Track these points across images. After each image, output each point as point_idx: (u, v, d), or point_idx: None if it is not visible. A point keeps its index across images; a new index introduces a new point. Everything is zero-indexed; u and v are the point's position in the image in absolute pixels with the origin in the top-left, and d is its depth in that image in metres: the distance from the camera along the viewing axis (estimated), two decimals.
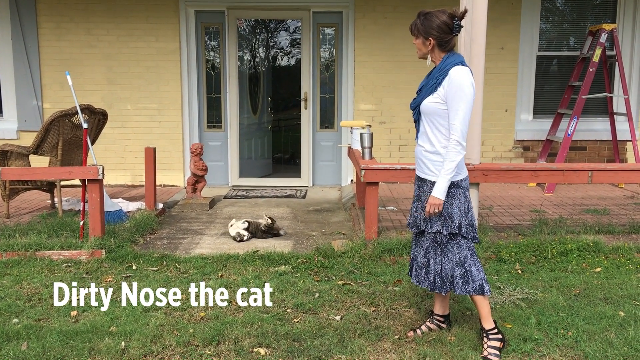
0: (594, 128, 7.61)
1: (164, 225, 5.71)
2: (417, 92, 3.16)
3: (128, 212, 5.85)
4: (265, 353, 3.12)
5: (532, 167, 4.64)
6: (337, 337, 3.29)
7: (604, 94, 7.19)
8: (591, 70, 6.82)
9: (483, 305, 3.14)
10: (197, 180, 6.45)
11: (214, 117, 7.79)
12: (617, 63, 7.07)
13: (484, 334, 3.15)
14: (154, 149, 6.04)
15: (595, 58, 6.80)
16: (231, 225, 5.23)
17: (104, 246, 4.61)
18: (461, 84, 2.93)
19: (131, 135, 7.51)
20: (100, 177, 4.59)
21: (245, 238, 5.13)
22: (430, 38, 3.02)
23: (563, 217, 5.66)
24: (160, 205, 6.19)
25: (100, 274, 4.28)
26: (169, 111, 7.49)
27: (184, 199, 6.52)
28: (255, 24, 8.29)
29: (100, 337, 3.26)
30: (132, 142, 7.50)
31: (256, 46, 8.33)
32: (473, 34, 4.14)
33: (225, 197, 7.09)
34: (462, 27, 3.06)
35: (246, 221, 5.21)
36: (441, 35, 3.01)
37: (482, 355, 3.07)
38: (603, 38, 6.79)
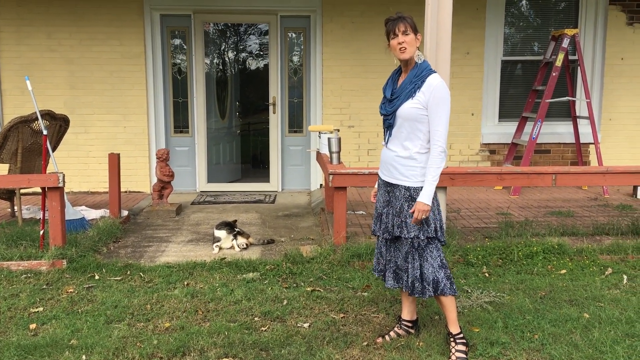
0: (558, 131, 7.74)
1: (128, 233, 5.59)
2: (388, 97, 3.13)
3: (91, 220, 5.71)
4: None
5: (497, 170, 4.69)
6: (305, 345, 3.25)
7: (567, 98, 7.32)
8: (554, 74, 6.94)
9: (452, 309, 3.15)
10: (164, 186, 6.33)
11: (180, 121, 7.68)
12: (579, 67, 7.21)
13: (452, 339, 3.16)
14: (118, 155, 5.91)
15: (558, 63, 6.93)
16: (218, 246, 5.01)
17: (65, 256, 4.48)
18: (444, 93, 2.98)
19: (95, 141, 7.34)
20: (60, 184, 4.46)
21: (244, 245, 5.03)
22: (419, 34, 3.04)
23: (529, 219, 5.73)
24: (125, 213, 6.06)
25: (62, 285, 4.15)
26: (134, 116, 7.35)
27: (150, 205, 6.40)
28: (223, 28, 8.21)
29: (60, 351, 3.15)
30: (95, 148, 7.34)
31: (224, 50, 8.25)
32: (439, 39, 4.16)
33: (192, 203, 6.99)
34: None
35: (222, 227, 5.06)
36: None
37: (449, 358, 3.08)
38: (565, 43, 6.92)
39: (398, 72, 3.20)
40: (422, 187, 3.05)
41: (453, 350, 3.11)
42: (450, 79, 4.50)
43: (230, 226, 5.02)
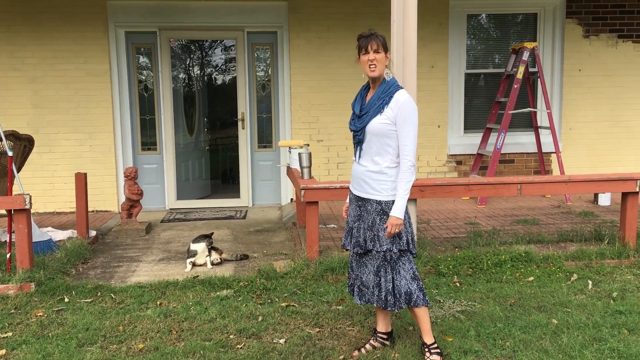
0: (521, 141, 7.95)
1: (97, 253, 5.50)
2: (357, 113, 3.19)
3: (58, 241, 5.60)
4: None
5: (465, 181, 4.79)
6: None
7: (529, 109, 7.54)
8: (516, 86, 7.14)
9: (425, 320, 3.21)
10: (132, 205, 6.26)
11: (148, 138, 7.62)
12: (539, 79, 7.44)
13: (426, 349, 3.21)
14: (85, 174, 5.82)
15: (519, 75, 7.13)
16: (192, 262, 4.97)
17: (34, 279, 4.38)
18: (411, 108, 3.04)
19: (60, 160, 7.22)
20: (27, 206, 4.38)
21: (218, 260, 5.02)
22: (388, 53, 3.12)
23: (496, 228, 5.86)
24: (94, 233, 5.96)
25: (30, 309, 4.06)
26: (101, 134, 7.26)
27: (119, 224, 6.31)
28: (190, 44, 8.20)
29: None
30: (61, 167, 7.22)
31: (191, 66, 8.23)
32: (405, 54, 4.26)
33: (162, 221, 6.92)
34: None
35: (200, 240, 5.03)
36: None
37: None
38: (525, 56, 7.14)
39: (366, 88, 3.27)
40: (393, 201, 3.10)
41: None
42: (416, 92, 4.60)
43: (208, 237, 5.00)
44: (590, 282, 4.41)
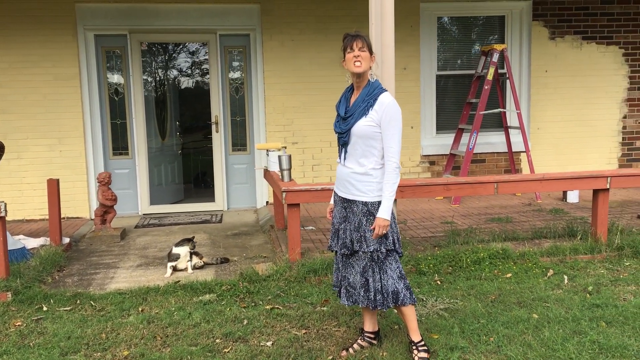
0: (492, 141, 8.11)
1: (72, 261, 5.39)
2: (342, 116, 3.21)
3: (31, 249, 5.46)
4: None
5: (444, 181, 4.87)
6: None
7: (499, 109, 7.70)
8: (486, 87, 7.29)
9: (412, 318, 3.25)
10: (106, 210, 6.15)
11: (119, 143, 7.49)
12: (508, 80, 7.61)
13: (414, 347, 3.25)
14: (57, 180, 5.69)
15: (490, 76, 7.28)
16: (173, 266, 4.91)
17: (10, 288, 4.27)
18: (395, 110, 3.08)
19: (29, 166, 7.04)
20: (2, 214, 4.26)
21: (201, 264, 5.00)
22: (374, 55, 3.14)
23: (472, 227, 5.97)
24: (67, 240, 5.84)
25: (8, 319, 3.95)
26: (71, 139, 7.11)
27: (93, 231, 6.19)
28: (161, 47, 8.10)
29: None
30: (30, 174, 7.04)
31: (163, 69, 8.13)
32: (383, 57, 4.30)
33: (137, 227, 6.82)
34: None
35: (182, 244, 4.99)
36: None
37: None
38: (495, 57, 7.29)
39: (350, 90, 3.29)
40: (378, 202, 3.14)
41: (416, 358, 3.21)
42: (394, 94, 4.64)
43: (190, 241, 4.95)
44: (565, 277, 4.54)
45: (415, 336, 3.27)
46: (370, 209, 3.15)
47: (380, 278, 3.19)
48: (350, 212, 3.23)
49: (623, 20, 8.12)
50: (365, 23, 6.94)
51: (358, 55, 3.08)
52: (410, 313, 3.25)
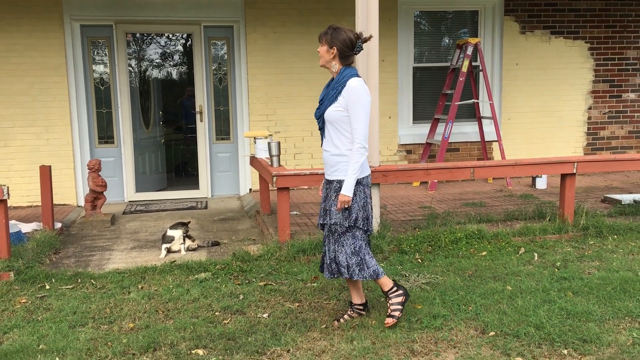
0: (465, 131, 8.48)
1: (67, 244, 5.56)
2: (320, 102, 3.51)
3: (25, 233, 5.61)
4: (204, 353, 3.27)
5: (424, 166, 5.19)
6: (270, 332, 3.52)
7: (473, 100, 8.07)
8: (461, 79, 7.64)
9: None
10: (97, 197, 6.32)
11: (105, 132, 7.63)
12: (481, 72, 7.98)
13: (386, 296, 3.59)
14: (49, 167, 5.83)
15: (464, 68, 7.63)
16: (167, 248, 5.11)
17: (12, 268, 4.45)
18: (359, 93, 3.34)
19: (16, 154, 7.14)
20: (5, 197, 4.42)
21: (195, 246, 5.21)
22: (334, 47, 3.40)
23: (449, 211, 6.31)
24: (59, 225, 5.99)
25: (13, 296, 4.13)
26: (57, 128, 7.23)
27: (83, 216, 6.35)
28: (146, 37, 8.23)
29: (32, 356, 3.22)
30: (17, 161, 7.14)
31: (148, 59, 8.27)
32: (369, 50, 4.59)
33: (124, 213, 6.99)
34: (362, 49, 3.47)
35: (177, 227, 5.19)
36: (344, 48, 3.41)
37: (387, 314, 3.54)
38: (469, 50, 7.64)
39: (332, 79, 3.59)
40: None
41: (389, 305, 3.57)
42: (378, 84, 4.93)
43: (185, 225, 5.17)
44: (536, 254, 4.90)
45: (386, 286, 3.57)
46: (341, 186, 3.45)
47: (335, 249, 3.51)
48: (330, 190, 3.53)
49: (589, 16, 8.56)
50: (344, 16, 7.25)
51: (318, 51, 3.45)
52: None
